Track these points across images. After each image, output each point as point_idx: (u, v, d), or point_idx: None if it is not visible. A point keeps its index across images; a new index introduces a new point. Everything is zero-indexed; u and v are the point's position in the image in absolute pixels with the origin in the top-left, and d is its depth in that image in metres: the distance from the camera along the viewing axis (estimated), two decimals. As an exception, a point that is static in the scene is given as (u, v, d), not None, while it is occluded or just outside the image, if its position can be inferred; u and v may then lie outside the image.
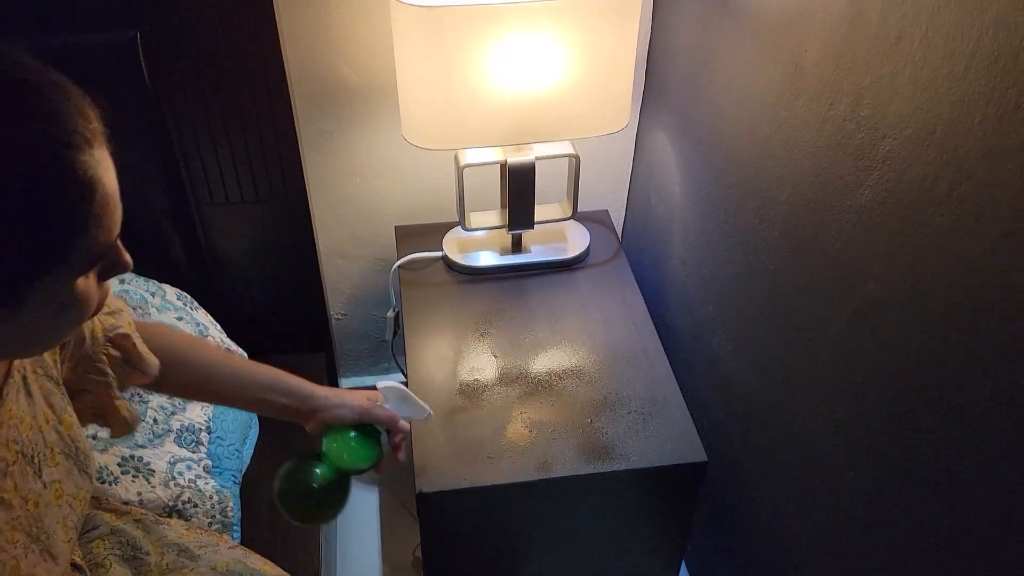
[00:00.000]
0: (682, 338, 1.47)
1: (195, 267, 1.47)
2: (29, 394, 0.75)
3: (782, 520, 1.14)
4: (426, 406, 1.09)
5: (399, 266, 1.51)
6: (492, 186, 1.47)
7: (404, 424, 1.05)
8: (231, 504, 1.21)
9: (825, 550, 1.03)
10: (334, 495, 1.00)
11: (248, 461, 1.37)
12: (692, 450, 1.19)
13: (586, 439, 1.20)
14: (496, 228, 1.50)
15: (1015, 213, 0.66)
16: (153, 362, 0.90)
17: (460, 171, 1.39)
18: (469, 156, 1.40)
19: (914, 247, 0.79)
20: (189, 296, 1.40)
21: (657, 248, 1.56)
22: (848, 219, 0.90)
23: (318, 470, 0.98)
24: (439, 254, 1.53)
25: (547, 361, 1.33)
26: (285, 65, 1.30)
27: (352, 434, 1.01)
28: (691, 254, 1.39)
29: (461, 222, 1.47)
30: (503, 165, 1.40)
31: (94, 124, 0.58)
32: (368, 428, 1.03)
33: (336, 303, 1.74)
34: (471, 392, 1.28)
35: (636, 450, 1.18)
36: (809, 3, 0.94)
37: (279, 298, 1.57)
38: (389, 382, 1.08)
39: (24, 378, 0.75)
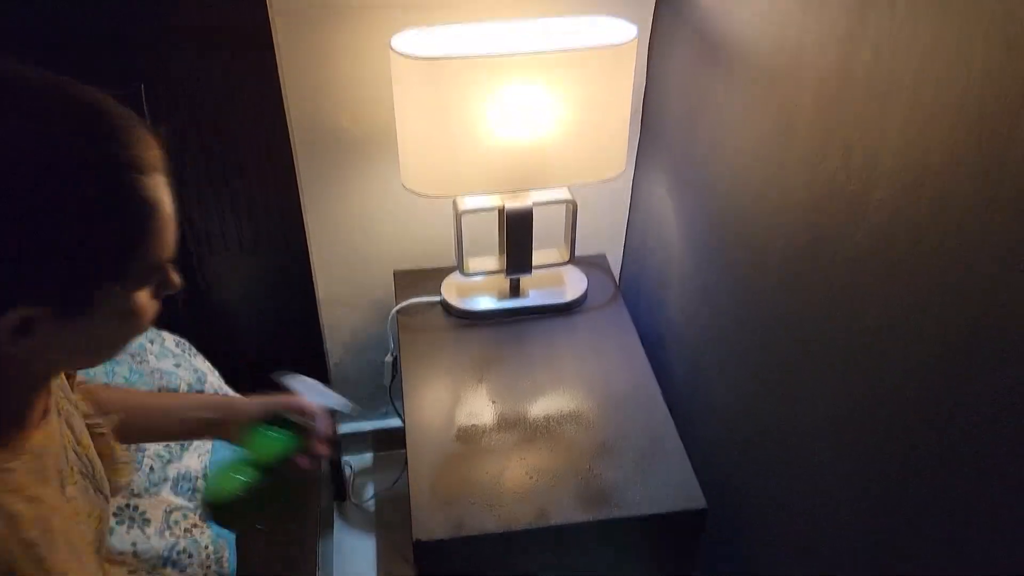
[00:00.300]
0: (680, 383, 1.47)
1: (194, 314, 1.47)
2: (58, 413, 0.77)
3: (786, 567, 1.13)
4: (341, 398, 1.07)
5: (398, 311, 1.52)
6: (490, 231, 1.49)
7: (313, 405, 1.01)
8: (226, 554, 1.20)
9: (827, 599, 1.02)
10: (261, 492, 0.96)
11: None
12: (692, 497, 1.18)
13: (585, 486, 1.19)
14: (494, 273, 1.51)
15: (1005, 266, 0.67)
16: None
17: (458, 217, 1.40)
18: (467, 202, 1.41)
19: (906, 298, 0.80)
20: (187, 343, 1.40)
21: (655, 293, 1.56)
22: (842, 268, 0.91)
23: (239, 471, 0.95)
24: (437, 299, 1.53)
25: (545, 406, 1.33)
26: (287, 115, 1.32)
27: (263, 426, 0.98)
28: (688, 300, 1.40)
29: (459, 267, 1.48)
30: (501, 211, 1.41)
31: (155, 151, 0.64)
32: (283, 420, 0.99)
33: (335, 348, 1.74)
34: (469, 437, 1.27)
35: (635, 497, 1.18)
36: (800, 54, 0.96)
37: (278, 345, 1.57)
38: (294, 376, 1.07)
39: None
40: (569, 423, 1.29)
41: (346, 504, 1.84)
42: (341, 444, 1.86)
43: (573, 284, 1.56)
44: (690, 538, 1.22)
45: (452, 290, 1.54)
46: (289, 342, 1.58)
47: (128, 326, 0.67)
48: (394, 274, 1.60)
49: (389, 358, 1.58)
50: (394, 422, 1.86)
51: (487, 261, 1.52)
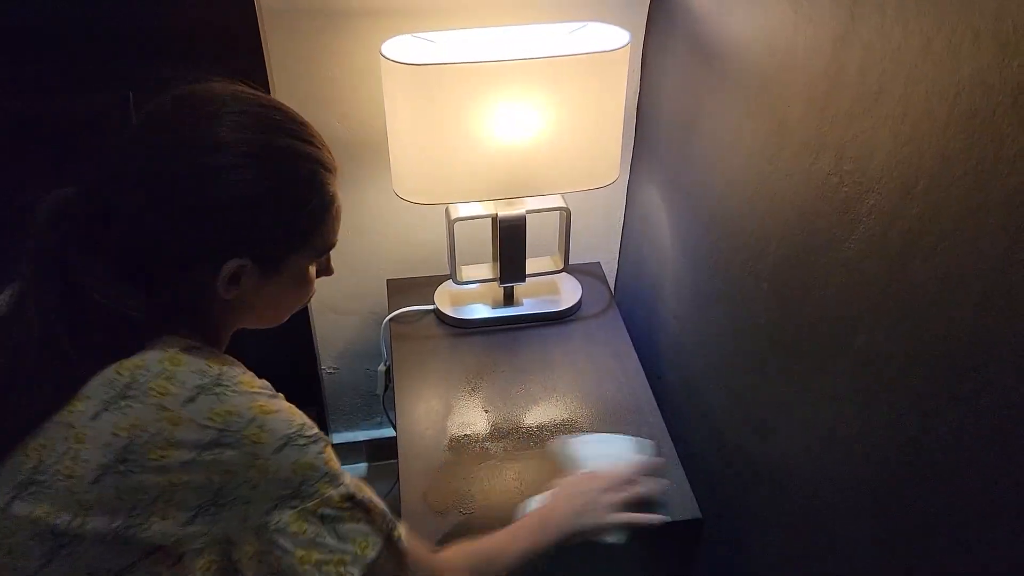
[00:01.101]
0: (675, 391, 1.45)
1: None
2: None
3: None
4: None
5: (390, 319, 1.51)
6: (484, 239, 1.48)
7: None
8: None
9: (824, 611, 1.00)
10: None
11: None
12: (687, 507, 1.17)
13: (578, 496, 1.18)
14: (488, 281, 1.50)
15: (998, 270, 0.66)
16: None
17: (451, 225, 1.39)
18: (460, 210, 1.40)
19: (901, 303, 0.79)
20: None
21: (649, 300, 1.55)
22: (836, 273, 0.90)
23: None
24: (431, 307, 1.52)
25: (539, 416, 1.31)
26: (276, 122, 1.31)
27: None
28: (683, 307, 1.39)
29: (452, 275, 1.47)
30: (494, 219, 1.40)
31: (333, 157, 0.83)
32: None
33: (328, 357, 1.73)
34: (462, 447, 1.26)
35: (629, 508, 1.16)
36: (791, 59, 0.95)
37: (269, 354, 1.56)
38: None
39: None
40: (563, 433, 1.28)
41: (340, 515, 1.82)
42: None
43: (567, 292, 1.55)
44: (686, 549, 1.21)
45: (445, 299, 1.53)
46: (281, 351, 1.56)
47: (300, 292, 0.84)
48: (387, 283, 1.59)
49: (382, 367, 1.57)
50: (388, 432, 1.85)
51: (481, 269, 1.51)
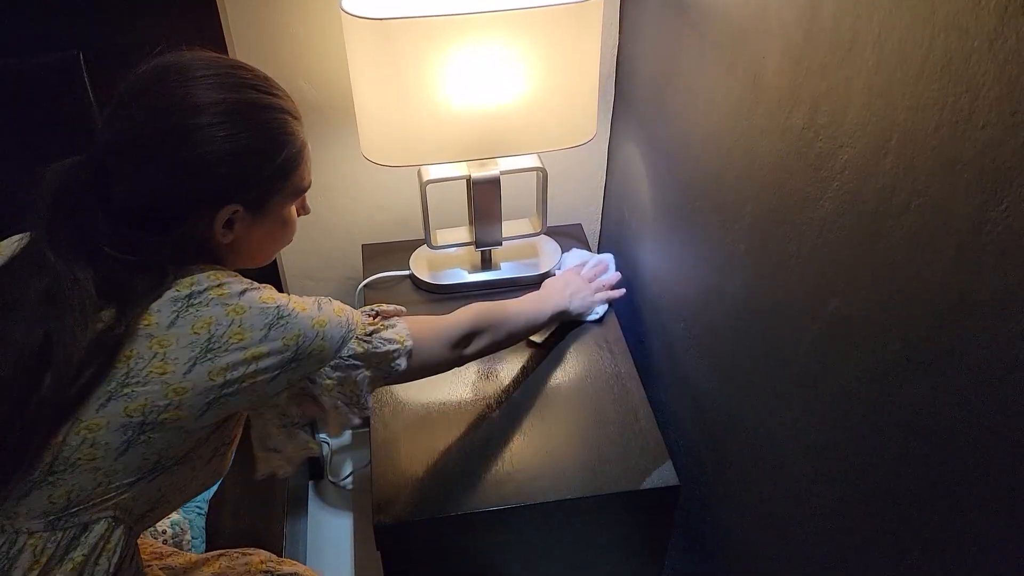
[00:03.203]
0: (656, 357, 1.42)
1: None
2: None
3: (756, 544, 1.10)
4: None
5: (365, 285, 1.47)
6: (460, 201, 1.44)
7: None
8: (187, 536, 1.17)
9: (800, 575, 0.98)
10: None
11: (215, 488, 1.32)
12: (665, 474, 1.15)
13: (556, 464, 1.16)
14: (464, 245, 1.46)
15: (972, 226, 0.62)
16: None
17: (423, 188, 1.35)
18: (432, 172, 1.36)
19: (875, 262, 0.75)
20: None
21: (630, 263, 1.52)
22: (810, 232, 0.86)
23: None
24: (406, 273, 1.49)
25: (516, 383, 1.28)
26: (239, 83, 1.26)
27: None
28: (662, 269, 1.35)
29: (427, 240, 1.43)
30: (468, 180, 1.36)
31: (296, 106, 0.92)
32: None
33: (306, 324, 1.70)
34: (437, 417, 1.23)
35: (608, 475, 1.14)
36: (765, 10, 0.90)
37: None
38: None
39: None
40: (541, 401, 1.25)
41: (323, 482, 1.81)
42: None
43: (547, 255, 1.51)
44: (664, 515, 1.19)
45: (421, 263, 1.49)
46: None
47: (285, 231, 0.94)
48: (362, 248, 1.56)
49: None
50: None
51: (456, 233, 1.47)
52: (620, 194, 1.56)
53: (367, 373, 0.94)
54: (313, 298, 0.92)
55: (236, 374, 0.82)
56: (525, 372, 1.30)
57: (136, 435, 0.79)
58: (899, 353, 0.73)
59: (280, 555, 1.30)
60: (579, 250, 1.50)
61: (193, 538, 1.20)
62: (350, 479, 1.81)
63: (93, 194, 0.81)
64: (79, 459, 0.78)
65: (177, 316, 0.80)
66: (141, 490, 0.82)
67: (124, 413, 0.78)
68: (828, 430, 0.87)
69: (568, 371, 1.30)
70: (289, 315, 0.85)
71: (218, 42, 1.20)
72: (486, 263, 1.48)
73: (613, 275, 1.44)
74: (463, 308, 1.12)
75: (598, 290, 1.39)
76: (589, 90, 1.27)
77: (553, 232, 1.56)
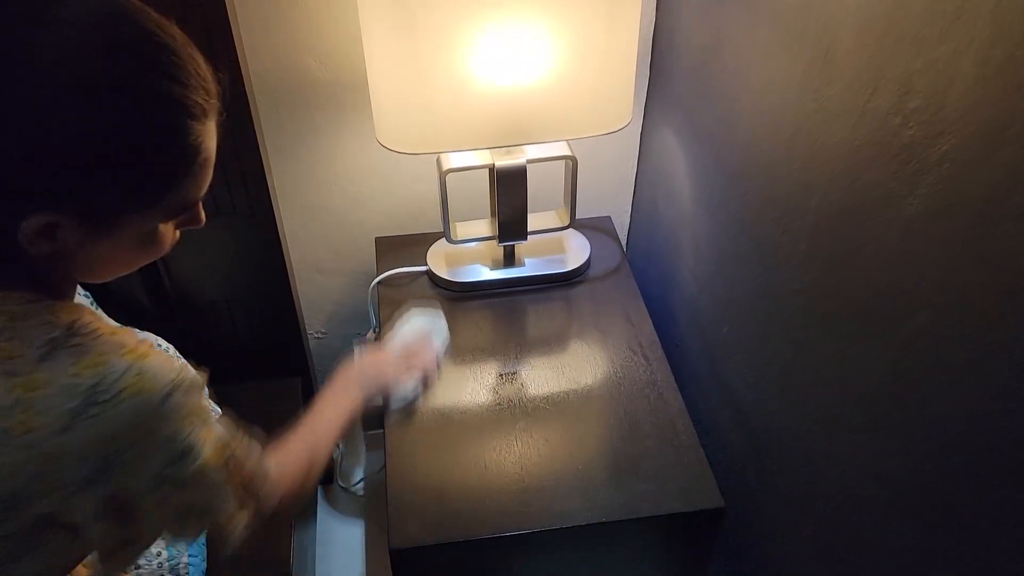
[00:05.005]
0: (695, 362, 1.31)
1: (152, 292, 1.33)
2: None
3: (806, 570, 0.99)
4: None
5: (379, 282, 1.37)
6: (481, 192, 1.33)
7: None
8: (185, 559, 1.07)
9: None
10: None
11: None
12: (708, 495, 1.04)
13: (587, 482, 1.05)
14: (485, 239, 1.35)
15: None
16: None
17: (443, 177, 1.24)
18: (452, 160, 1.25)
19: (979, 271, 0.64)
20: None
21: (665, 259, 1.40)
22: (893, 233, 0.75)
23: None
24: (423, 268, 1.38)
25: (542, 392, 1.18)
26: (241, 61, 1.16)
27: None
28: (703, 267, 1.24)
29: (446, 233, 1.32)
30: (491, 170, 1.25)
31: (213, 100, 0.65)
32: None
33: (316, 321, 1.60)
34: (456, 428, 1.13)
35: (644, 495, 1.04)
36: (841, -26, 0.79)
37: (249, 321, 1.43)
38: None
39: None
40: (569, 411, 1.15)
41: (332, 488, 1.71)
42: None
43: (574, 251, 1.40)
44: (705, 540, 1.08)
45: (439, 259, 1.39)
46: (261, 318, 1.43)
47: (147, 251, 0.69)
48: (376, 241, 1.45)
49: (371, 335, 1.43)
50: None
51: (478, 226, 1.37)
52: (653, 185, 1.44)
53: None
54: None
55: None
56: (551, 379, 1.20)
57: None
58: (1004, 380, 0.62)
59: (288, 568, 1.21)
60: (417, 314, 1.25)
61: (192, 556, 1.11)
62: (361, 484, 1.71)
63: None
64: None
65: None
66: None
67: None
68: (909, 462, 0.76)
69: (598, 378, 1.20)
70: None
71: (219, 12, 1.09)
72: (509, 259, 1.37)
73: (431, 354, 1.18)
74: (283, 450, 0.89)
75: (412, 368, 1.15)
76: (626, 69, 1.15)
77: (580, 226, 1.45)
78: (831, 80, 0.82)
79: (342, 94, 1.31)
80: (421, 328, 1.20)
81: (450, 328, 1.26)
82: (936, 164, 0.68)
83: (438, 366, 1.17)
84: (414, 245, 1.42)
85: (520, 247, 1.37)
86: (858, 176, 0.79)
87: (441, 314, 1.23)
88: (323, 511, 1.66)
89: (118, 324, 0.68)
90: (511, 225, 1.30)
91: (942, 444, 0.71)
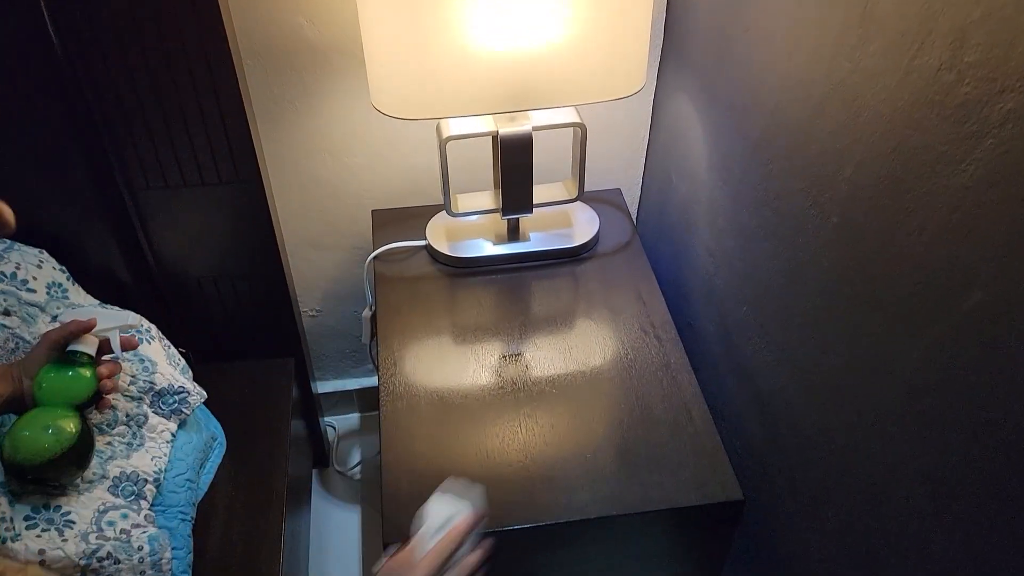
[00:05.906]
0: (710, 343, 1.24)
1: (134, 267, 1.26)
2: None
3: (828, 568, 0.93)
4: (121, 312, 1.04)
5: (375, 257, 1.29)
6: (484, 162, 1.25)
7: (92, 322, 0.93)
8: (168, 554, 1.00)
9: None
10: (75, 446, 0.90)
11: (206, 489, 1.17)
12: (726, 486, 0.97)
13: (597, 473, 0.99)
14: (488, 212, 1.28)
15: None
16: None
17: (443, 145, 1.17)
18: (453, 127, 1.17)
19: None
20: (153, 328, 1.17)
21: (679, 234, 1.33)
22: (944, 203, 0.67)
23: (47, 426, 0.89)
24: (422, 243, 1.31)
25: (548, 374, 1.11)
26: (226, 19, 1.07)
27: (52, 368, 0.91)
28: (720, 243, 1.16)
29: (446, 206, 1.25)
30: (495, 137, 1.17)
31: None
32: (74, 356, 0.92)
33: (310, 298, 1.53)
34: (456, 413, 1.06)
35: (659, 486, 0.97)
36: (887, -86, 0.70)
37: (238, 298, 1.36)
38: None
39: None
40: (576, 394, 1.08)
41: (328, 471, 1.65)
42: (321, 403, 1.66)
43: (582, 225, 1.33)
44: (722, 534, 1.02)
45: (439, 233, 1.31)
46: (252, 295, 1.36)
47: None
48: (372, 214, 1.38)
49: (367, 312, 1.36)
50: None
51: (480, 198, 1.29)
52: (666, 154, 1.36)
53: None
54: None
55: None
56: (557, 361, 1.13)
57: None
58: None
59: (279, 555, 1.15)
60: (444, 501, 0.88)
61: (176, 549, 1.04)
62: (358, 468, 1.65)
63: None
64: None
65: None
66: None
67: None
68: (956, 460, 0.69)
69: (608, 359, 1.13)
70: None
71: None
72: (513, 233, 1.30)
73: (473, 555, 0.84)
74: None
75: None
76: (639, 29, 1.07)
77: (588, 199, 1.38)
78: (868, 37, 0.74)
79: (334, 57, 1.22)
80: (448, 516, 0.87)
81: (451, 316, 1.18)
82: (998, 125, 0.60)
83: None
84: (413, 218, 1.35)
85: (525, 221, 1.30)
86: (901, 141, 0.72)
87: (471, 488, 0.89)
88: (318, 496, 1.61)
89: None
90: (515, 197, 1.23)
91: (996, 441, 0.64)
